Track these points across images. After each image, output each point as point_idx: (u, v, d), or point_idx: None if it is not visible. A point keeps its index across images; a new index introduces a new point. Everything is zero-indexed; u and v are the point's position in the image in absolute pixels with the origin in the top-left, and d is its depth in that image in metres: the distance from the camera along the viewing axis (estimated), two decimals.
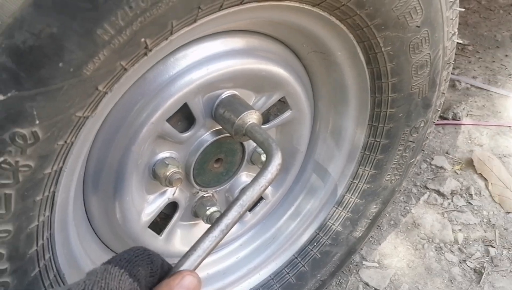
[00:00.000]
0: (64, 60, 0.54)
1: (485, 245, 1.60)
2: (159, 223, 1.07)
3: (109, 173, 0.83)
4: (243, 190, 0.80)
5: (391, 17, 0.85)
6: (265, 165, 0.82)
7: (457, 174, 1.83)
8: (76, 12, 0.52)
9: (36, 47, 0.52)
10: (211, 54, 0.84)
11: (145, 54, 0.64)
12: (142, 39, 0.60)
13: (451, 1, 0.96)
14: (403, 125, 1.09)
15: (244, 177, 1.09)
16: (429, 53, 0.97)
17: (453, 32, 1.03)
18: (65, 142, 0.62)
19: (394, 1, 0.83)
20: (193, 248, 0.73)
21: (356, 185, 1.20)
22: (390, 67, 0.96)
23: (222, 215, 0.78)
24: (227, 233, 0.77)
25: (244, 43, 0.90)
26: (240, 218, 0.79)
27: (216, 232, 0.75)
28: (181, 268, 0.72)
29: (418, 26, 0.90)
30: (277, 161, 0.82)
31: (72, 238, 0.82)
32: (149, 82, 0.79)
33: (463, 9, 1.02)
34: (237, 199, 0.79)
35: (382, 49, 0.92)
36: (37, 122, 0.56)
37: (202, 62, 0.83)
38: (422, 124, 1.13)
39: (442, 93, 1.14)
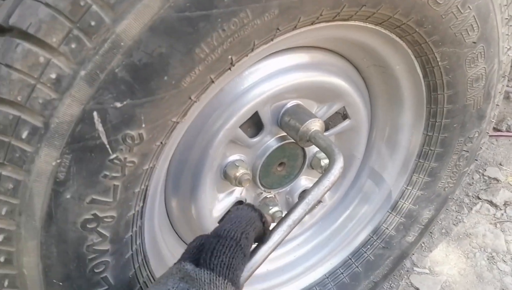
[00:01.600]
0: (168, 74, 0.65)
1: None
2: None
3: (188, 172, 0.94)
4: (309, 190, 0.89)
5: (448, 34, 0.91)
6: (328, 168, 0.91)
7: (511, 185, 1.83)
8: (181, 35, 0.63)
9: (148, 64, 0.63)
10: (280, 68, 0.93)
11: (229, 68, 0.74)
12: (229, 56, 0.70)
13: (507, 18, 1.01)
14: (457, 135, 1.14)
15: (303, 180, 1.17)
16: (484, 67, 1.02)
17: (508, 47, 1.07)
18: (161, 143, 0.73)
19: (451, 19, 0.89)
20: (264, 240, 0.83)
21: (410, 192, 1.26)
22: (446, 80, 1.02)
23: (290, 211, 0.87)
24: (294, 228, 0.86)
25: (309, 57, 0.99)
26: (305, 215, 0.88)
27: (284, 227, 0.84)
28: (255, 257, 0.81)
29: (474, 42, 0.96)
30: (339, 164, 0.90)
31: (156, 228, 0.93)
32: (227, 92, 0.89)
33: None
34: (303, 198, 0.87)
35: (439, 63, 0.98)
36: (144, 125, 0.67)
37: (272, 75, 0.93)
38: (476, 135, 1.17)
39: (497, 105, 1.18)
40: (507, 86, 2.24)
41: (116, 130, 0.65)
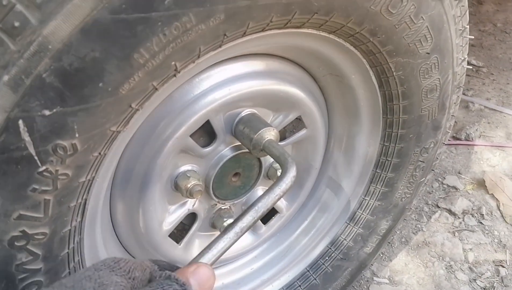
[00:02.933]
0: (104, 80, 0.60)
1: (495, 265, 1.62)
2: (178, 233, 1.13)
3: (135, 183, 0.89)
4: (259, 198, 0.85)
5: (402, 44, 0.90)
6: (280, 176, 0.88)
7: (469, 194, 1.86)
8: (117, 39, 0.59)
9: (80, 69, 0.58)
10: (234, 75, 0.90)
11: (174, 75, 0.70)
12: (173, 62, 0.66)
13: (461, 29, 1.01)
14: (413, 145, 1.14)
15: (260, 191, 1.14)
16: (438, 78, 1.02)
17: (462, 58, 1.08)
18: (99, 153, 0.69)
19: (405, 29, 0.88)
20: (208, 247, 0.79)
21: (368, 202, 1.24)
22: (401, 90, 1.01)
23: (237, 219, 0.83)
24: (241, 236, 0.82)
25: (264, 65, 0.96)
26: (254, 222, 0.84)
27: (231, 234, 0.81)
28: None
29: (428, 53, 0.95)
30: (291, 173, 0.88)
31: (98, 243, 0.88)
32: (175, 100, 0.85)
33: (473, 37, 1.07)
34: (252, 205, 0.84)
35: (394, 73, 0.97)
36: (77, 135, 0.62)
37: (225, 82, 0.89)
38: (432, 145, 1.17)
39: (452, 115, 1.18)
40: (466, 95, 2.28)
41: (45, 140, 0.60)
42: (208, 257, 0.77)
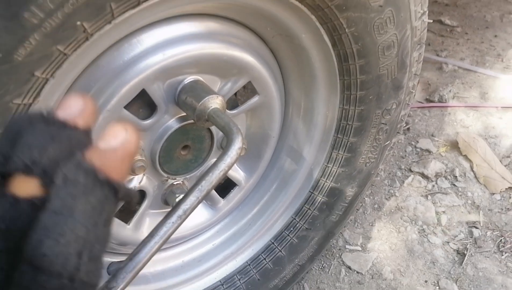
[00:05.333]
0: None
1: (468, 227, 1.59)
2: (128, 213, 1.07)
3: None
4: (203, 175, 0.79)
5: None
6: (225, 149, 0.81)
7: (442, 156, 1.82)
8: None
9: None
10: (167, 38, 0.82)
11: (86, 38, 0.63)
12: (78, 22, 0.59)
13: None
14: (374, 107, 1.08)
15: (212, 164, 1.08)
16: (395, 34, 0.95)
17: (422, 11, 1.01)
18: None
19: None
20: (151, 234, 0.73)
21: (331, 169, 1.19)
22: (356, 49, 0.95)
23: (181, 201, 0.77)
24: (185, 218, 0.76)
25: (204, 27, 0.88)
26: (198, 203, 0.78)
27: (174, 218, 0.75)
28: (139, 255, 0.72)
29: (381, 6, 0.88)
30: (237, 145, 0.81)
31: None
32: (102, 68, 0.77)
33: None
34: (196, 184, 0.78)
35: (346, 30, 0.90)
36: None
37: (158, 47, 0.81)
38: (394, 106, 1.11)
39: (415, 74, 1.12)
40: (440, 56, 2.22)
41: None
42: (151, 245, 0.72)
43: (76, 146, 0.37)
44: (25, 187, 0.35)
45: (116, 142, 0.38)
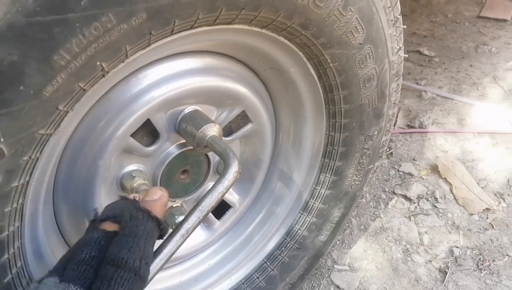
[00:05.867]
0: (25, 84, 0.61)
1: (449, 246, 1.68)
2: None
3: (78, 185, 0.89)
4: (203, 197, 0.87)
5: (334, 36, 0.93)
6: (223, 173, 0.89)
7: (423, 179, 1.92)
8: (34, 42, 0.59)
9: None
10: (170, 73, 0.91)
11: (103, 76, 0.71)
12: (98, 63, 0.67)
13: (392, 20, 1.05)
14: (357, 133, 1.17)
15: (211, 186, 1.15)
16: (374, 67, 1.06)
17: (398, 47, 1.12)
18: (30, 157, 0.69)
19: (335, 21, 0.91)
20: (157, 251, 0.80)
21: (319, 191, 1.28)
22: (340, 81, 1.04)
23: (183, 220, 0.84)
24: (187, 237, 0.84)
25: (202, 62, 0.97)
26: (199, 223, 0.86)
27: (177, 237, 0.82)
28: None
29: (361, 44, 0.99)
30: (234, 168, 0.89)
31: (43, 248, 0.88)
32: (112, 100, 0.86)
33: (405, 26, 1.11)
34: (197, 205, 0.86)
35: (330, 64, 1.00)
36: (2, 139, 0.63)
37: (162, 81, 0.90)
38: (376, 133, 1.21)
39: (394, 103, 1.23)
40: (419, 84, 2.35)
41: None
42: (156, 262, 0.79)
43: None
44: (110, 226, 0.67)
45: (157, 197, 0.74)
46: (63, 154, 0.85)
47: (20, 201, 0.73)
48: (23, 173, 0.69)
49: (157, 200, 0.73)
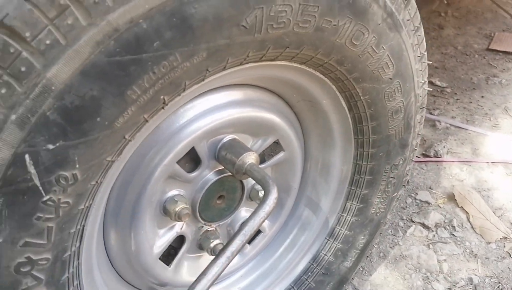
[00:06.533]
0: (101, 115, 0.67)
1: (468, 274, 1.70)
2: (166, 257, 1.18)
3: (127, 209, 0.95)
4: (245, 222, 0.93)
5: (366, 71, 1.00)
6: (263, 199, 0.95)
7: (440, 207, 1.96)
8: (112, 78, 0.66)
9: (80, 106, 0.65)
10: (215, 105, 0.98)
11: (163, 108, 0.78)
12: (162, 96, 0.74)
13: (419, 56, 1.12)
14: (384, 163, 1.23)
15: (243, 212, 1.20)
16: (402, 100, 1.12)
17: (423, 81, 1.18)
18: (96, 182, 0.75)
19: (368, 58, 0.98)
20: (204, 273, 0.85)
21: (345, 218, 1.32)
22: (369, 113, 1.11)
23: (228, 243, 0.90)
24: (232, 259, 0.89)
25: (243, 94, 1.04)
26: (243, 246, 0.91)
27: (223, 259, 0.87)
28: None
29: (391, 78, 1.05)
30: (274, 195, 0.95)
31: (94, 268, 0.93)
32: (163, 130, 0.92)
33: (430, 62, 1.18)
34: (240, 229, 0.91)
35: (361, 97, 1.07)
36: (77, 166, 0.69)
37: (208, 112, 0.97)
38: (401, 162, 1.26)
39: (418, 134, 1.28)
40: (433, 114, 2.42)
41: (49, 172, 0.66)
42: (204, 283, 0.84)
43: None
44: None
45: None
46: (117, 179, 0.90)
47: (82, 223, 0.78)
48: (88, 197, 0.75)
49: None
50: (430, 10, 3.32)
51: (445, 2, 3.11)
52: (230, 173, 1.06)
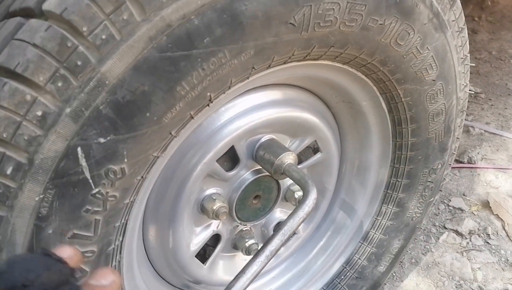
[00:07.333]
0: (151, 111, 0.68)
1: (504, 283, 1.66)
2: (202, 255, 1.18)
3: (166, 206, 0.95)
4: (284, 221, 0.92)
5: (409, 72, 0.99)
6: (303, 199, 0.94)
7: (474, 215, 1.91)
8: (163, 74, 0.66)
9: (131, 101, 0.66)
10: (256, 104, 0.98)
11: (208, 105, 0.78)
12: (208, 93, 0.74)
13: (462, 58, 1.09)
14: (422, 166, 1.21)
15: (278, 213, 1.20)
16: (444, 103, 1.10)
17: (465, 84, 1.16)
18: (142, 177, 0.75)
19: (412, 59, 0.96)
20: (243, 271, 0.85)
21: (380, 222, 1.30)
22: (410, 115, 1.09)
23: (267, 242, 0.89)
24: (271, 258, 0.88)
25: (282, 94, 1.04)
26: (282, 245, 0.90)
27: (262, 258, 0.87)
28: (233, 289, 0.83)
29: (434, 80, 1.03)
30: (313, 196, 0.94)
31: (134, 263, 0.93)
32: (204, 128, 0.93)
33: (473, 64, 1.15)
34: (279, 228, 0.90)
35: (402, 99, 1.05)
36: (126, 160, 0.69)
37: (248, 111, 0.97)
38: (439, 166, 1.24)
39: (457, 138, 1.26)
40: (467, 120, 2.36)
41: (99, 165, 0.67)
42: (243, 281, 0.83)
43: (65, 278, 0.46)
44: None
45: (106, 282, 0.49)
46: (159, 176, 0.91)
47: (126, 218, 0.79)
48: (133, 192, 0.76)
49: (107, 286, 0.49)
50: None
51: (486, 5, 3.04)
52: (267, 173, 1.06)
